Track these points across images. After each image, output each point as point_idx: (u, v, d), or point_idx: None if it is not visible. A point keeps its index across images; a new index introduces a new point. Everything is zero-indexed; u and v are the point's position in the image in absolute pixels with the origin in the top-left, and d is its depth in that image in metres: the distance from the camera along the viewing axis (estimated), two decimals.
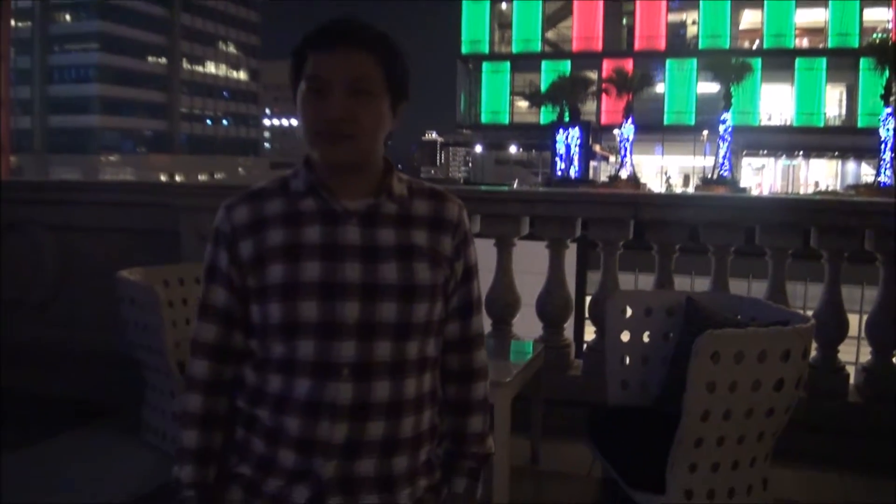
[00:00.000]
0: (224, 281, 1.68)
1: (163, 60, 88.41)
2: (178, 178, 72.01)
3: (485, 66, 53.02)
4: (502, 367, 4.03)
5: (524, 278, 5.53)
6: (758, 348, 2.95)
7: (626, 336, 4.10)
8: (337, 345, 1.57)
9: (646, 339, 4.05)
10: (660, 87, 48.59)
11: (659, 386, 3.88)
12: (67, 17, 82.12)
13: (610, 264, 5.18)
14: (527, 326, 5.54)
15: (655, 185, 46.16)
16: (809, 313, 4.73)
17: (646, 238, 5.05)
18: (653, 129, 47.10)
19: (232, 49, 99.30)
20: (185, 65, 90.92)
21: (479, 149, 56.12)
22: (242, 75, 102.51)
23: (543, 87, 47.44)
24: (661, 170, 50.69)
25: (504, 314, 5.44)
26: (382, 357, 1.59)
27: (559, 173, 44.21)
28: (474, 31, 52.84)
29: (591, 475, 4.30)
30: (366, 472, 1.61)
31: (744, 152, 47.45)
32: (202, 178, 73.87)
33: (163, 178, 71.05)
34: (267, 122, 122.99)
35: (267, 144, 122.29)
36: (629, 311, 4.10)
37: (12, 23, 53.24)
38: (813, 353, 4.43)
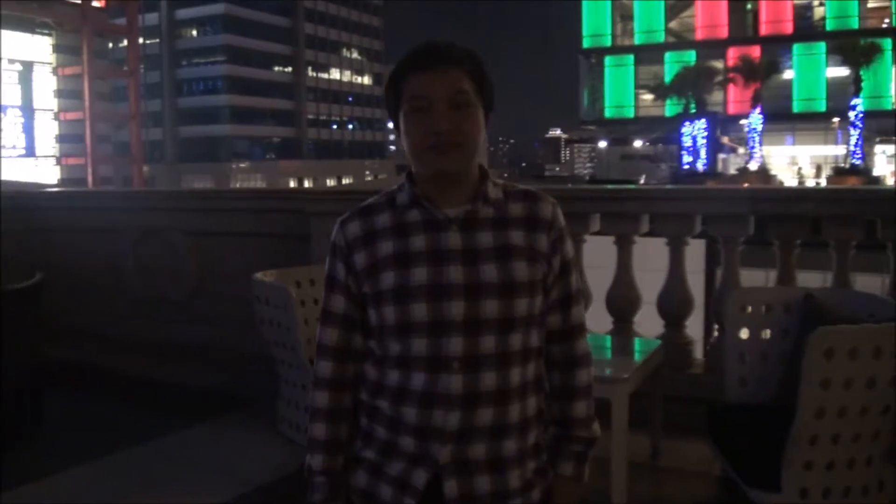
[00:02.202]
0: (342, 289, 1.85)
1: (288, 69, 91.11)
2: (307, 183, 74.11)
3: (607, 59, 52.22)
4: (620, 364, 4.11)
5: (646, 276, 5.56)
6: (872, 344, 2.92)
7: (745, 333, 4.09)
8: (446, 341, 1.72)
9: (765, 336, 4.03)
10: (788, 74, 46.70)
11: (777, 383, 3.86)
12: (194, 33, 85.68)
13: (731, 260, 5.14)
14: (650, 325, 5.54)
15: (787, 177, 44.39)
16: None
17: (766, 233, 4.99)
18: (782, 117, 45.31)
19: (356, 55, 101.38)
20: (311, 72, 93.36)
21: (603, 144, 55.42)
22: (366, 80, 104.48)
23: (668, 79, 46.44)
24: (792, 160, 48.74)
25: (624, 312, 5.47)
26: (488, 350, 1.73)
27: (686, 167, 43.22)
28: (595, 24, 52.15)
29: (711, 473, 4.30)
30: (478, 456, 1.75)
31: (877, 139, 45.03)
32: (330, 182, 75.77)
33: (292, 183, 73.28)
34: (391, 124, 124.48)
35: (392, 147, 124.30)
36: (749, 308, 4.08)
37: (140, 40, 56.30)
38: None
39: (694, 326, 5.56)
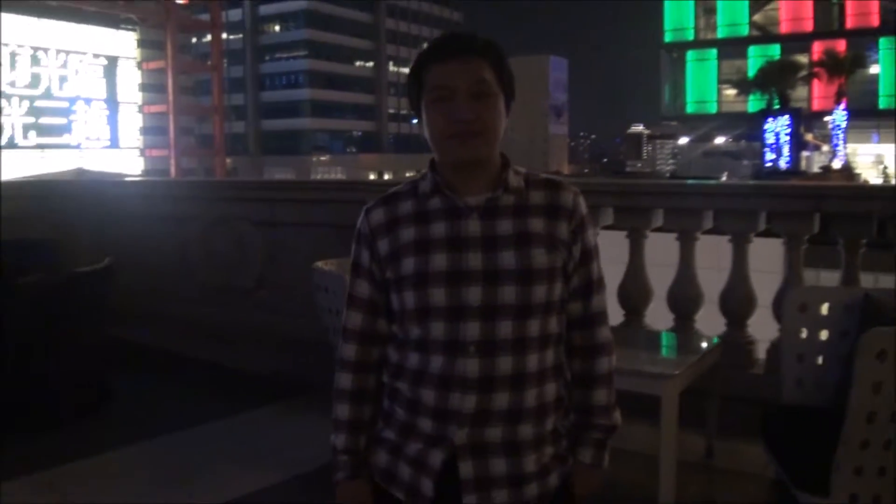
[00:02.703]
0: (367, 275, 1.90)
1: (370, 64, 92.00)
2: (386, 176, 74.86)
3: (689, 54, 51.27)
4: (672, 361, 4.06)
5: (708, 275, 5.46)
6: None
7: (803, 333, 3.98)
8: (463, 325, 1.75)
9: (823, 336, 3.92)
10: (874, 69, 45.03)
11: (834, 385, 3.74)
12: (276, 28, 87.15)
13: (794, 259, 5.00)
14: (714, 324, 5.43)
15: (871, 176, 42.81)
16: None
17: (829, 232, 4.85)
18: (867, 114, 43.67)
19: None
20: (391, 67, 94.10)
21: (684, 140, 54.52)
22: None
23: (751, 74, 45.37)
24: (878, 159, 47.02)
25: (686, 309, 5.39)
26: (505, 335, 1.75)
27: (768, 164, 42.14)
28: (677, 18, 51.21)
29: (764, 475, 4.18)
30: (494, 439, 1.77)
31: None
32: (409, 174, 76.36)
33: (372, 176, 74.10)
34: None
35: None
36: (808, 308, 3.98)
37: (224, 35, 57.45)
38: None
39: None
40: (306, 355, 6.18)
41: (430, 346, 1.79)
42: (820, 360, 3.88)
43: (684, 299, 5.39)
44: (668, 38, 52.20)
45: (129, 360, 6.31)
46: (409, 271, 1.80)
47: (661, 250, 5.64)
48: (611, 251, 5.82)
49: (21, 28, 41.45)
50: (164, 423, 5.11)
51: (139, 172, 42.41)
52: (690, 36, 51.33)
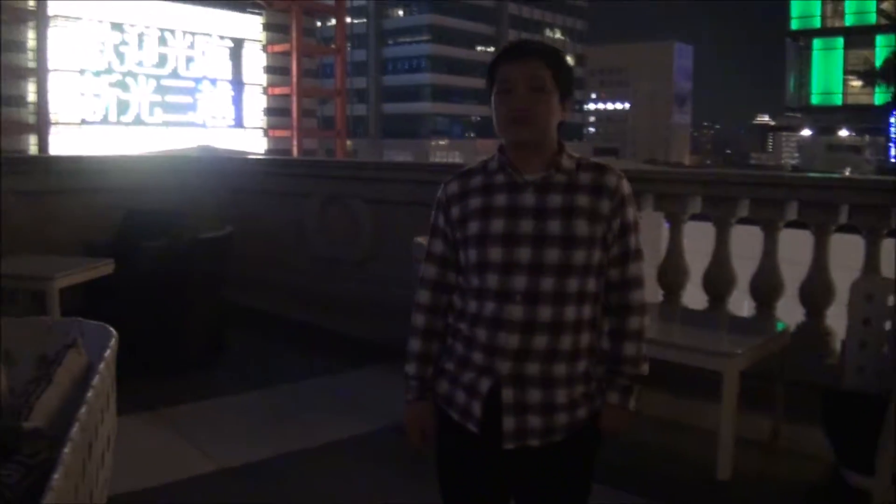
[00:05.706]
0: (441, 235, 2.33)
1: (491, 49, 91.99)
2: None
3: (815, 42, 49.43)
4: (737, 341, 4.28)
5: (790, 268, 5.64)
6: None
7: (867, 322, 4.13)
8: (513, 278, 2.15)
9: (887, 326, 4.07)
10: None
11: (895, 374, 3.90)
12: (400, 12, 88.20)
13: (872, 252, 5.12)
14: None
15: None
16: None
17: None
18: None
19: (558, 34, 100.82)
20: None
21: (806, 132, 52.66)
22: (568, 60, 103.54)
23: (878, 64, 43.43)
24: None
25: (767, 297, 5.58)
26: (546, 289, 2.14)
27: (893, 160, 40.32)
28: (804, 5, 49.46)
29: (826, 458, 4.23)
30: (532, 373, 2.17)
31: None
32: None
33: None
34: (592, 106, 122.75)
35: (592, 129, 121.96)
36: (874, 298, 4.13)
37: (348, 19, 58.39)
38: None
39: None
40: (405, 324, 6.62)
41: (485, 294, 2.18)
42: (882, 349, 4.03)
43: (766, 288, 5.58)
44: (794, 25, 50.55)
45: (243, 321, 6.94)
46: (474, 232, 2.20)
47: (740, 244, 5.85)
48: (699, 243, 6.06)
49: (149, 10, 43.22)
50: (270, 376, 5.75)
51: (262, 152, 43.91)
52: (817, 24, 49.48)
